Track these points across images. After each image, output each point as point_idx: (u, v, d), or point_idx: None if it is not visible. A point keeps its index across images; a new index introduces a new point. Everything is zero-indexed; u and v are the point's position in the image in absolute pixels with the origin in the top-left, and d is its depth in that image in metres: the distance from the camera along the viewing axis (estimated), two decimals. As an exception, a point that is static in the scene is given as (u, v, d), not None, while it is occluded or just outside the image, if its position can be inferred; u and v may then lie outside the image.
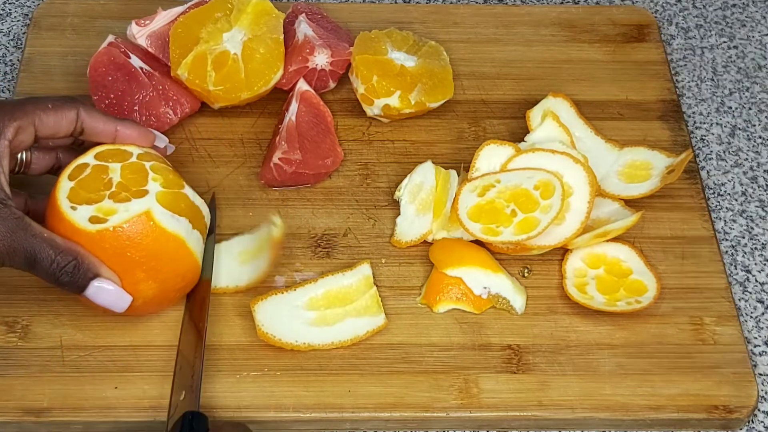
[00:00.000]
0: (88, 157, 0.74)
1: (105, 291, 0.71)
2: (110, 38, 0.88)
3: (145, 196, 0.72)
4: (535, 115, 0.88)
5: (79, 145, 0.77)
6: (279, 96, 0.89)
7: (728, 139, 0.94)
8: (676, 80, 0.98)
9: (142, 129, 0.77)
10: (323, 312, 0.78)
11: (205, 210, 0.76)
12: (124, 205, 0.71)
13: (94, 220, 0.71)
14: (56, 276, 0.70)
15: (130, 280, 0.72)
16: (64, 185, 0.72)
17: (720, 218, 0.89)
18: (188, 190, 0.75)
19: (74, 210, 0.71)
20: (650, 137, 0.91)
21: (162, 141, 0.80)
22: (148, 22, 0.89)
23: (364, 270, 0.80)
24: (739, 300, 0.84)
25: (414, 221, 0.83)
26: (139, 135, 0.77)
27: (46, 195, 0.74)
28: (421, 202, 0.83)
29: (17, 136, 0.71)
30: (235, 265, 0.80)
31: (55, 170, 0.78)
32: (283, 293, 0.78)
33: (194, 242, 0.74)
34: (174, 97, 0.87)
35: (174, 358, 0.75)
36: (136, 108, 0.86)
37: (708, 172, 0.92)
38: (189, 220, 0.73)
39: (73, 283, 0.70)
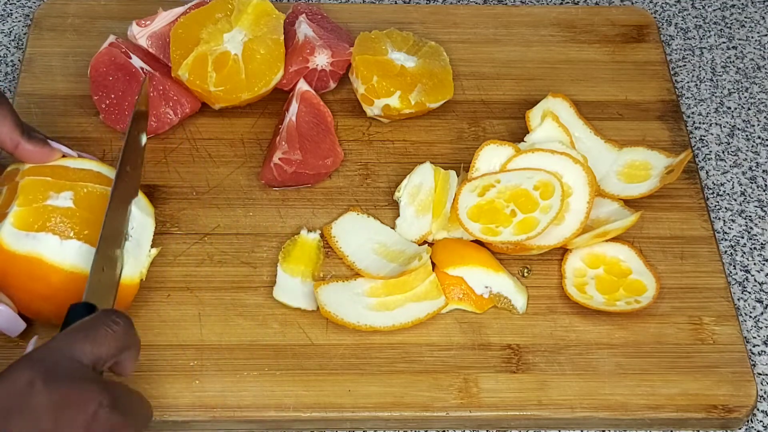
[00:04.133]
0: None
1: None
2: (111, 38, 0.88)
3: (3, 220, 0.71)
4: (534, 115, 0.89)
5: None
6: (279, 96, 0.90)
7: (727, 140, 0.94)
8: (676, 80, 0.98)
9: (45, 148, 0.74)
10: (383, 299, 0.79)
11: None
12: None
13: None
14: None
15: (16, 301, 0.72)
16: None
17: (719, 218, 0.89)
18: (57, 200, 0.72)
19: None
20: (649, 137, 0.91)
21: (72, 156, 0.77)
22: (148, 22, 0.89)
23: (423, 258, 0.80)
24: (738, 300, 0.84)
25: (413, 222, 0.83)
26: (40, 153, 0.74)
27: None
28: (420, 204, 0.83)
29: None
30: None
31: None
32: (344, 282, 0.80)
33: (69, 254, 0.71)
34: (174, 98, 0.87)
35: (173, 356, 0.76)
36: (136, 108, 0.86)
37: (707, 172, 0.92)
38: (55, 232, 0.71)
39: None
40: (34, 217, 0.71)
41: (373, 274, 0.79)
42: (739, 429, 0.77)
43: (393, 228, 0.84)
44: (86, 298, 0.67)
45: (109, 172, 0.77)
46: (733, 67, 1.00)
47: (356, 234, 0.83)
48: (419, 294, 0.79)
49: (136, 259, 0.75)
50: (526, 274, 0.82)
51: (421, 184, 0.84)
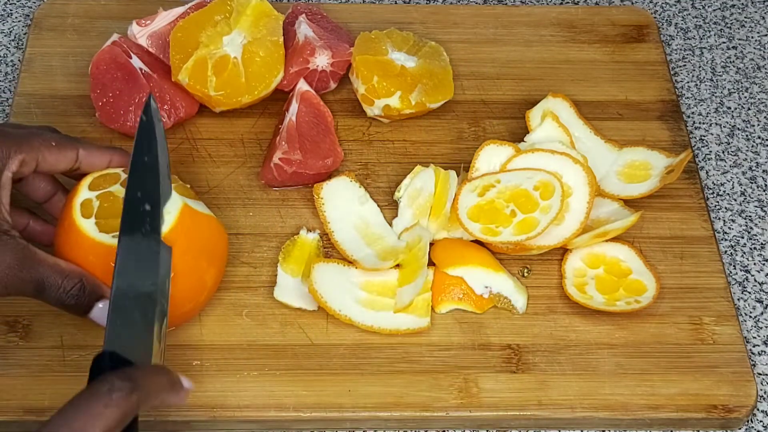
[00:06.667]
0: (87, 193, 0.73)
1: None
2: (115, 37, 0.88)
3: None
4: (534, 115, 0.89)
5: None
6: (279, 96, 0.90)
7: (727, 140, 0.94)
8: (676, 80, 0.98)
9: (105, 152, 0.76)
10: (374, 297, 0.78)
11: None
12: None
13: None
14: (62, 300, 0.69)
15: (197, 275, 0.73)
16: (85, 223, 0.71)
17: (719, 218, 0.89)
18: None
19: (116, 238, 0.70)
20: (649, 137, 0.91)
21: None
22: (148, 22, 0.89)
23: (428, 275, 0.80)
24: (738, 300, 0.84)
25: (409, 223, 0.83)
26: (100, 156, 0.76)
27: (48, 217, 0.77)
28: (418, 207, 0.83)
29: (20, 168, 0.71)
30: None
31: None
32: (346, 265, 0.79)
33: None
34: (169, 101, 0.87)
35: (173, 356, 0.76)
36: (131, 109, 0.86)
37: (707, 172, 0.92)
38: (198, 199, 0.75)
39: (78, 305, 0.70)
40: (184, 190, 0.75)
41: (346, 252, 0.79)
42: (739, 429, 0.77)
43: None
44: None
45: None
46: (733, 67, 1.00)
47: (343, 199, 0.83)
48: (408, 307, 0.79)
49: None
50: (526, 274, 0.82)
51: (421, 189, 0.84)
